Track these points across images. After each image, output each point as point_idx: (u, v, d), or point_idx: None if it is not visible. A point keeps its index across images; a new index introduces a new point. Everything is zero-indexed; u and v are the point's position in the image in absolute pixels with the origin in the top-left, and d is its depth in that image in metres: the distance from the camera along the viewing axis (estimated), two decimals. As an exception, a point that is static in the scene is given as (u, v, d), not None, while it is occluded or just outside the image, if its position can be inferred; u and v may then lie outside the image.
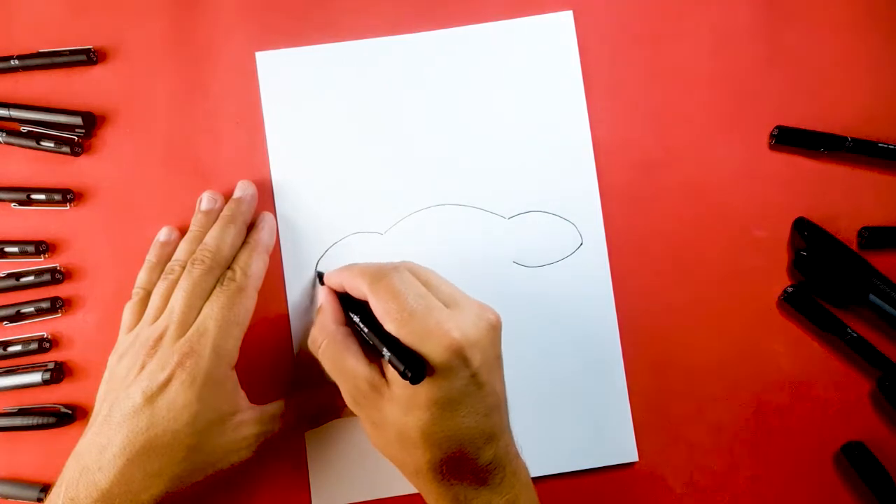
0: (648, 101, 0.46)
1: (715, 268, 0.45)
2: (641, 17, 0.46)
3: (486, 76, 0.45)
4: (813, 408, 0.44)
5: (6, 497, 0.43)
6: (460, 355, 0.33)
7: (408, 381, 0.32)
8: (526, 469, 0.38)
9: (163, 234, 0.44)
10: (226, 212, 0.43)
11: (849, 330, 0.43)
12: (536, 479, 0.44)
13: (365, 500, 0.43)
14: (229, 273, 0.40)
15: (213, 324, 0.38)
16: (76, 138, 0.45)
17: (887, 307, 0.43)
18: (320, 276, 0.43)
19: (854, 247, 0.45)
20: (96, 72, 0.45)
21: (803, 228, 0.44)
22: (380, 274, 0.36)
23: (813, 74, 0.46)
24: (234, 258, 0.41)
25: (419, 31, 0.46)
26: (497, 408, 0.36)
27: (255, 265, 0.41)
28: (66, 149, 0.44)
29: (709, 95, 0.46)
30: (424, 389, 0.33)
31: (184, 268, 0.40)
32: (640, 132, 0.45)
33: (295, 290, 0.44)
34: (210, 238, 0.41)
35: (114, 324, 0.44)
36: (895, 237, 0.44)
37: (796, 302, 0.44)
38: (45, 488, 0.43)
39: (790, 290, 0.44)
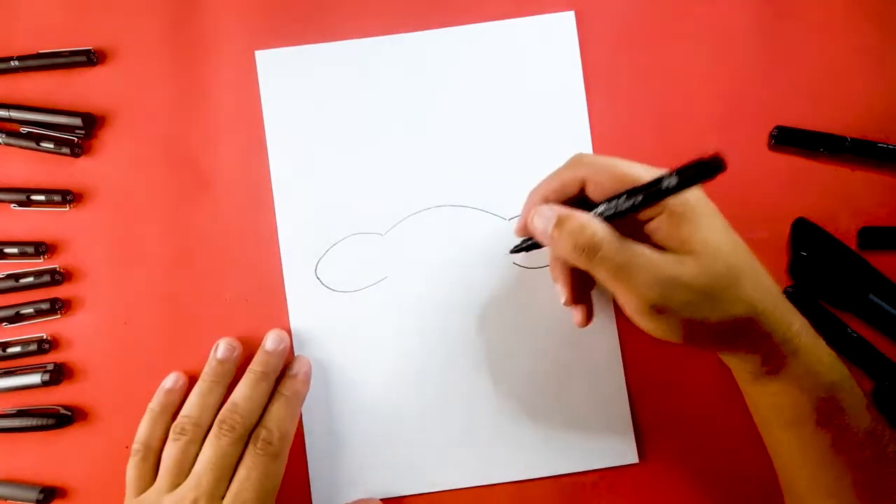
0: (649, 102, 0.46)
1: (715, 268, 0.45)
2: (642, 18, 0.46)
3: (487, 76, 0.45)
4: (813, 408, 0.44)
5: (5, 498, 0.43)
6: (706, 199, 0.34)
7: (696, 226, 0.31)
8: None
9: (169, 380, 0.42)
10: (257, 367, 0.41)
11: (849, 330, 0.43)
12: (536, 480, 0.44)
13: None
14: (265, 434, 0.38)
15: (252, 496, 0.37)
16: (76, 139, 0.45)
17: (887, 307, 0.43)
18: (520, 248, 0.40)
19: (854, 247, 0.45)
20: (96, 73, 0.45)
21: (803, 229, 0.44)
22: (581, 159, 0.35)
23: (813, 74, 0.46)
24: (263, 412, 0.40)
25: (419, 31, 0.46)
26: None
27: (290, 423, 0.40)
28: (65, 150, 0.44)
29: (709, 95, 0.46)
30: (705, 235, 0.32)
31: (197, 426, 0.39)
32: (640, 132, 0.46)
33: (295, 290, 0.44)
34: (241, 399, 0.39)
35: (114, 324, 0.44)
36: (895, 237, 0.44)
37: (796, 302, 0.44)
38: (45, 489, 0.43)
39: (790, 290, 0.44)
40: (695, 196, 0.33)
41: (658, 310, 0.32)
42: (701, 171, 0.28)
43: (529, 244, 0.40)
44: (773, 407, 0.36)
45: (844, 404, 0.34)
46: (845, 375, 0.35)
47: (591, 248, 0.32)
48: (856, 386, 0.35)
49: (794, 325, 0.34)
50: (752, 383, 0.36)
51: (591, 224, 0.32)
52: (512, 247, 0.42)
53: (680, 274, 0.31)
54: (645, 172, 0.33)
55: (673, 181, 0.29)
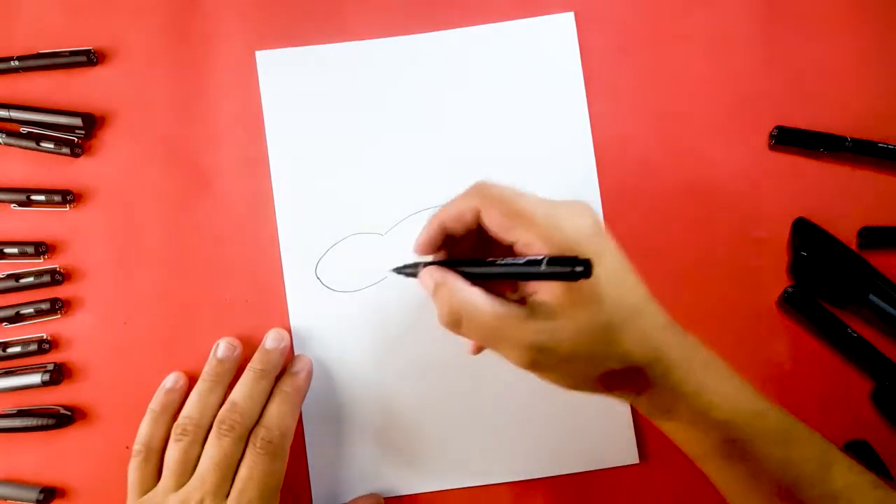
0: (649, 102, 0.46)
1: (715, 268, 0.45)
2: (642, 19, 0.46)
3: (487, 77, 0.45)
4: (813, 408, 0.44)
5: (6, 498, 0.43)
6: (600, 234, 0.31)
7: (570, 284, 0.29)
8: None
9: (169, 380, 0.42)
10: (257, 364, 0.41)
11: (849, 330, 0.43)
12: (536, 480, 0.44)
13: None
14: (264, 433, 0.39)
15: (256, 494, 0.37)
16: (76, 139, 0.45)
17: (887, 307, 0.43)
18: (403, 269, 0.38)
19: (854, 247, 0.45)
20: (96, 73, 0.45)
21: (803, 229, 0.44)
22: (481, 188, 0.33)
23: (812, 74, 0.46)
24: (263, 410, 0.40)
25: (420, 32, 0.46)
26: (639, 277, 0.33)
27: (290, 420, 0.40)
28: (65, 150, 0.44)
29: (709, 96, 0.46)
30: (588, 283, 0.30)
31: (198, 426, 0.39)
32: (640, 133, 0.46)
33: (295, 290, 0.44)
34: (240, 398, 0.39)
35: (114, 324, 0.44)
36: (895, 237, 0.44)
37: (796, 302, 0.44)
38: (45, 489, 0.43)
39: (790, 290, 0.44)
40: (587, 240, 0.31)
41: (534, 368, 0.32)
42: (567, 274, 0.28)
43: (409, 272, 0.38)
44: (678, 441, 0.35)
45: (748, 439, 0.33)
46: (746, 411, 0.33)
47: (456, 321, 0.32)
48: (766, 415, 0.33)
49: (681, 369, 0.32)
50: (653, 419, 0.35)
51: (459, 294, 0.32)
52: (398, 266, 0.39)
53: (547, 341, 0.31)
54: (539, 210, 0.31)
55: (543, 269, 0.29)
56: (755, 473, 0.33)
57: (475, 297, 0.32)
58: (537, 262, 0.29)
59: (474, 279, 0.33)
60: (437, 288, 0.34)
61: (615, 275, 0.31)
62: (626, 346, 0.31)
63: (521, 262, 0.30)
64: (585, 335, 0.31)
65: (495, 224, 0.32)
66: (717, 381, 0.33)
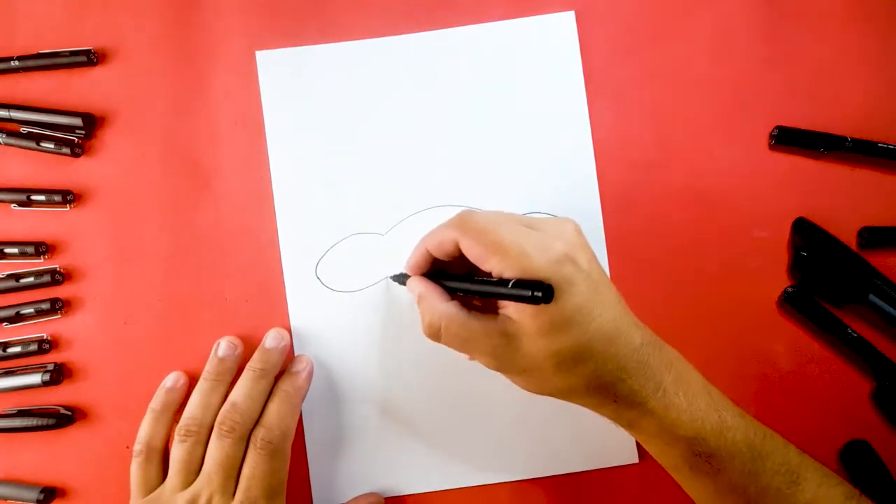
0: (649, 102, 0.46)
1: (715, 268, 0.45)
2: (642, 18, 0.46)
3: (487, 76, 0.45)
4: (813, 408, 0.44)
5: (6, 498, 0.43)
6: (571, 261, 0.33)
7: (539, 306, 0.31)
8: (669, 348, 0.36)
9: (170, 379, 0.43)
10: (256, 364, 0.41)
11: (849, 330, 0.43)
12: (536, 480, 0.44)
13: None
14: (264, 433, 0.39)
15: (260, 493, 0.38)
16: (76, 139, 0.45)
17: (887, 307, 0.43)
18: (398, 277, 0.42)
19: (854, 247, 0.45)
20: (96, 73, 0.45)
21: (803, 228, 0.44)
22: (461, 217, 0.36)
23: (813, 74, 0.46)
24: (264, 409, 0.40)
25: (420, 31, 0.46)
26: (620, 297, 0.35)
27: (290, 420, 0.40)
28: (66, 150, 0.44)
29: (709, 96, 0.46)
30: (556, 308, 0.32)
31: (201, 426, 0.39)
32: (640, 132, 0.46)
33: (295, 290, 0.44)
34: (240, 398, 0.40)
35: (114, 324, 0.44)
36: (895, 237, 0.44)
37: (796, 302, 0.44)
38: (45, 489, 0.43)
39: (790, 290, 0.44)
40: (556, 269, 0.32)
41: (501, 372, 0.36)
42: (528, 298, 0.31)
43: (402, 281, 0.41)
44: (648, 450, 0.36)
45: (714, 454, 0.34)
46: (712, 428, 0.34)
47: (435, 332, 0.36)
48: (733, 430, 0.34)
49: (646, 389, 0.33)
50: (620, 426, 0.36)
51: (437, 308, 0.36)
52: (396, 274, 0.43)
53: (514, 355, 0.34)
54: (513, 242, 0.33)
55: (507, 290, 0.32)
56: (722, 485, 0.34)
57: (450, 311, 0.36)
58: (505, 283, 0.32)
59: (454, 293, 0.37)
60: (419, 300, 0.38)
61: (586, 303, 0.33)
62: (590, 369, 0.33)
63: (492, 281, 0.33)
64: (544, 355, 0.33)
65: (473, 255, 0.34)
66: (685, 399, 0.34)
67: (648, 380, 0.33)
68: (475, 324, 0.35)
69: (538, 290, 0.30)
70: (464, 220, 0.35)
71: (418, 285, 0.38)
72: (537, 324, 0.32)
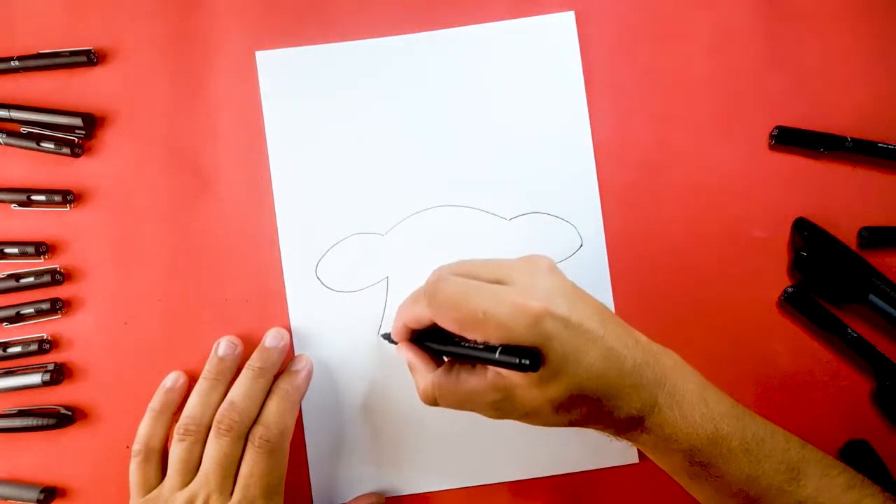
0: (649, 102, 0.46)
1: (715, 268, 0.45)
2: (642, 18, 0.46)
3: (487, 77, 0.45)
4: (813, 408, 0.44)
5: (6, 498, 0.43)
6: (549, 315, 0.32)
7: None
8: (670, 352, 0.36)
9: (169, 379, 0.43)
10: (255, 363, 0.41)
11: (849, 330, 0.43)
12: (536, 480, 0.44)
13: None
14: (262, 431, 0.39)
15: (258, 491, 0.38)
16: (76, 139, 0.45)
17: (887, 307, 0.43)
18: (387, 337, 0.42)
19: (854, 247, 0.45)
20: (96, 73, 0.45)
21: (803, 228, 0.44)
22: (431, 292, 0.34)
23: (813, 74, 0.46)
24: (262, 408, 0.40)
25: (420, 32, 0.46)
26: (604, 317, 0.34)
27: (288, 418, 0.40)
28: (66, 150, 0.44)
29: (709, 96, 0.46)
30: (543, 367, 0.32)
31: (200, 425, 0.39)
32: (640, 133, 0.46)
33: (295, 290, 0.44)
34: (238, 397, 0.40)
35: (114, 324, 0.44)
36: (895, 237, 0.44)
37: (796, 302, 0.44)
38: (45, 489, 0.43)
39: (790, 290, 0.44)
40: (532, 332, 0.32)
41: (503, 418, 0.36)
42: (516, 365, 0.31)
43: (391, 341, 0.41)
44: (648, 455, 0.37)
45: (711, 462, 0.34)
46: (708, 438, 0.34)
47: (431, 401, 0.37)
48: (730, 437, 0.34)
49: (640, 412, 0.34)
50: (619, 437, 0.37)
51: (428, 379, 0.37)
52: (386, 332, 0.42)
53: (511, 405, 0.34)
54: (488, 310, 0.32)
55: (497, 357, 0.32)
56: (722, 489, 0.35)
57: (441, 379, 0.36)
58: (493, 350, 0.32)
59: (443, 356, 0.38)
60: (409, 369, 0.38)
61: (571, 350, 0.32)
62: (587, 405, 0.33)
63: (480, 347, 0.33)
64: (540, 402, 0.33)
65: (451, 328, 0.34)
66: (679, 414, 0.34)
67: (644, 402, 0.34)
68: (468, 386, 0.35)
69: (525, 359, 0.31)
70: (433, 296, 0.34)
71: (406, 353, 0.39)
72: (528, 379, 0.33)
